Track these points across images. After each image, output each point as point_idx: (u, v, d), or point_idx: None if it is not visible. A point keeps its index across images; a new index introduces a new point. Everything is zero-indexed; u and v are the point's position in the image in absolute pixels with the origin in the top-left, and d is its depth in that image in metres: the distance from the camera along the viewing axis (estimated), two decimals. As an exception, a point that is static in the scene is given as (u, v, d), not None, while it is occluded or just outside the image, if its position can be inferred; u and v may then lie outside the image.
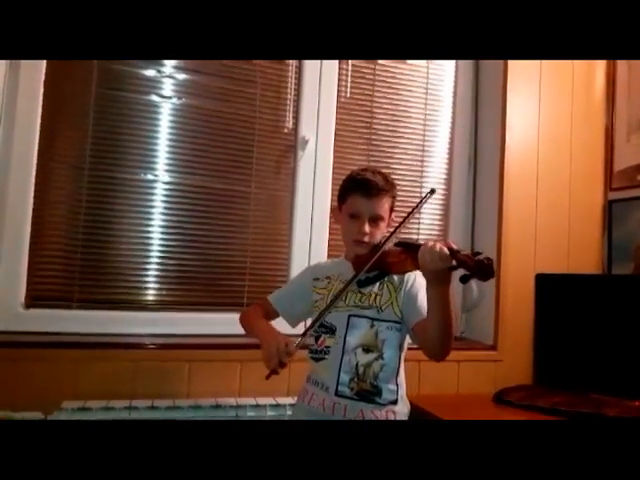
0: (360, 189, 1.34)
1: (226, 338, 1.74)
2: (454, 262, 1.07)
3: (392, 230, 1.32)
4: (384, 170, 1.45)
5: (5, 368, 1.50)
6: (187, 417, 1.52)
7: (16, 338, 1.60)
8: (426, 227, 2.13)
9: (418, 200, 1.32)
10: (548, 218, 2.09)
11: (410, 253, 1.18)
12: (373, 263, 1.26)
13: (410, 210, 1.31)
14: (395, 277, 1.36)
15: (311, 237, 1.96)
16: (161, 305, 1.81)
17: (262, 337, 1.26)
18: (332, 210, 1.54)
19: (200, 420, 1.51)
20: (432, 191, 1.33)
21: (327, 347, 1.33)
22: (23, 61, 1.68)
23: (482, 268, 1.03)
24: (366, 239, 1.33)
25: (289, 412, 1.59)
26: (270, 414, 1.59)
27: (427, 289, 1.15)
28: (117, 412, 1.48)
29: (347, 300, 1.34)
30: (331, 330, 1.33)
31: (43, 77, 1.71)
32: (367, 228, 1.33)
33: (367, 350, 1.31)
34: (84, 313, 1.72)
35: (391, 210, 1.39)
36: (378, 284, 1.35)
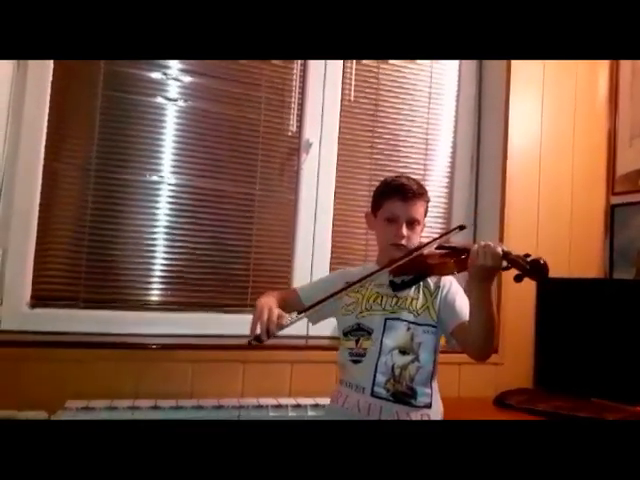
0: (397, 194, 1.37)
1: (229, 339, 1.75)
2: (505, 262, 1.09)
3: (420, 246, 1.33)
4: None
5: (10, 367, 1.51)
6: (190, 417, 1.53)
7: (21, 338, 1.62)
8: (427, 229, 2.12)
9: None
10: (550, 221, 2.09)
11: (455, 255, 1.21)
12: (411, 267, 1.28)
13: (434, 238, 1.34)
14: (431, 282, 1.38)
15: (314, 239, 1.97)
16: (165, 305, 1.82)
17: (257, 303, 1.27)
18: (366, 216, 1.53)
19: (203, 420, 1.51)
20: (461, 227, 1.35)
21: (364, 349, 1.34)
22: (31, 63, 1.69)
23: (538, 268, 1.06)
24: (404, 242, 1.35)
25: (291, 413, 1.59)
26: (272, 415, 1.59)
27: (470, 288, 1.18)
28: (121, 412, 1.48)
29: (383, 304, 1.35)
30: (368, 332, 1.35)
31: (50, 79, 1.72)
32: (405, 231, 1.35)
33: (403, 352, 1.32)
34: (89, 313, 1.73)
35: (425, 214, 1.42)
36: (414, 288, 1.37)
